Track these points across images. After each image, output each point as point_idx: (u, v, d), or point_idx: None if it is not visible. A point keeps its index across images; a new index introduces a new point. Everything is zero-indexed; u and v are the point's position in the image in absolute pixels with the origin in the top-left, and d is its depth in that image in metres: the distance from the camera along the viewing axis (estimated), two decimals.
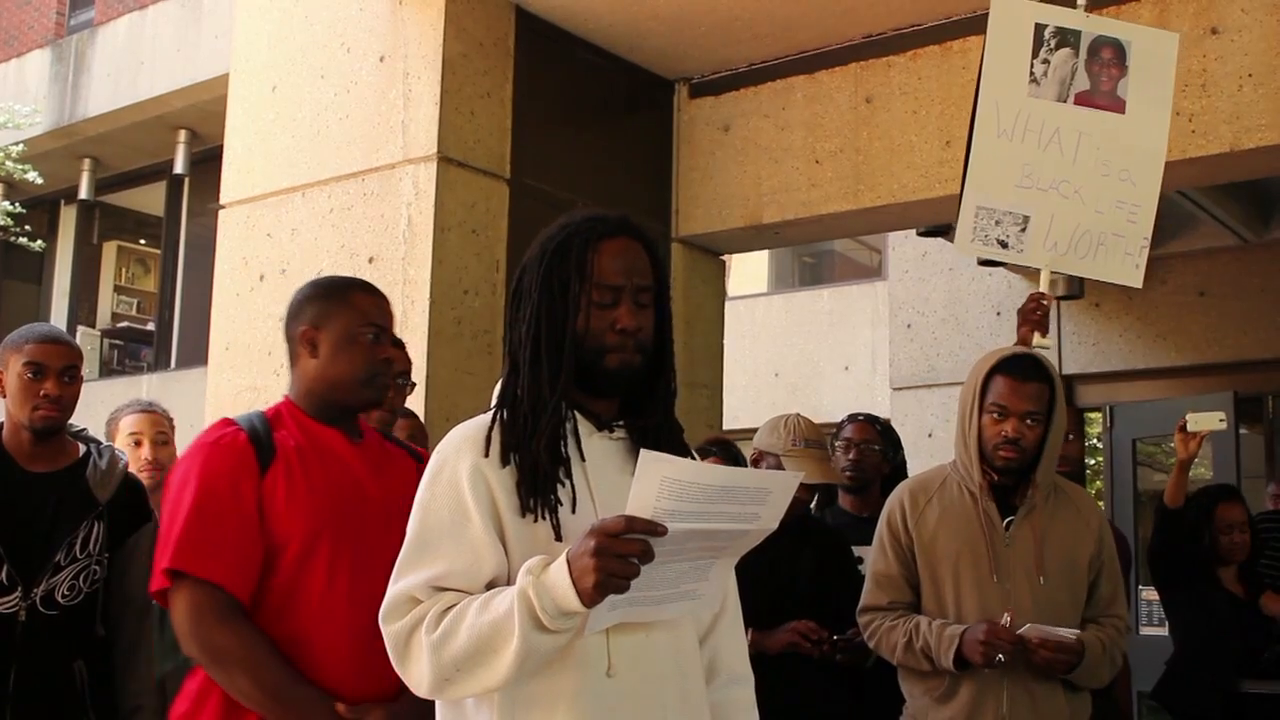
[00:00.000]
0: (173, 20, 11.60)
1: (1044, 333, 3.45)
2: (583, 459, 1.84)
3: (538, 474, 1.80)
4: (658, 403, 1.92)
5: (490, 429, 1.86)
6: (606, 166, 5.13)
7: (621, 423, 1.92)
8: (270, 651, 2.29)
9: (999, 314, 8.22)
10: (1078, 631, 2.92)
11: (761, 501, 1.69)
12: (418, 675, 1.75)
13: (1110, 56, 3.55)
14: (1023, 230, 3.54)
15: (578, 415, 1.87)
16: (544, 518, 1.79)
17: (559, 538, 1.77)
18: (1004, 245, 3.57)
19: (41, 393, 2.89)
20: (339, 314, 2.52)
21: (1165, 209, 7.42)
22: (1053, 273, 3.62)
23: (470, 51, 4.63)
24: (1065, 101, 3.54)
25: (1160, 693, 4.73)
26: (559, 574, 1.65)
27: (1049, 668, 2.91)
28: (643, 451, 1.64)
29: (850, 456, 3.97)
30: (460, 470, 1.82)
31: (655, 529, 1.61)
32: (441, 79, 4.51)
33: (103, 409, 4.00)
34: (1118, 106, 3.55)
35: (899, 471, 4.18)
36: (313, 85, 4.84)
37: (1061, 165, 3.53)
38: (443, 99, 4.50)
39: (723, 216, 5.28)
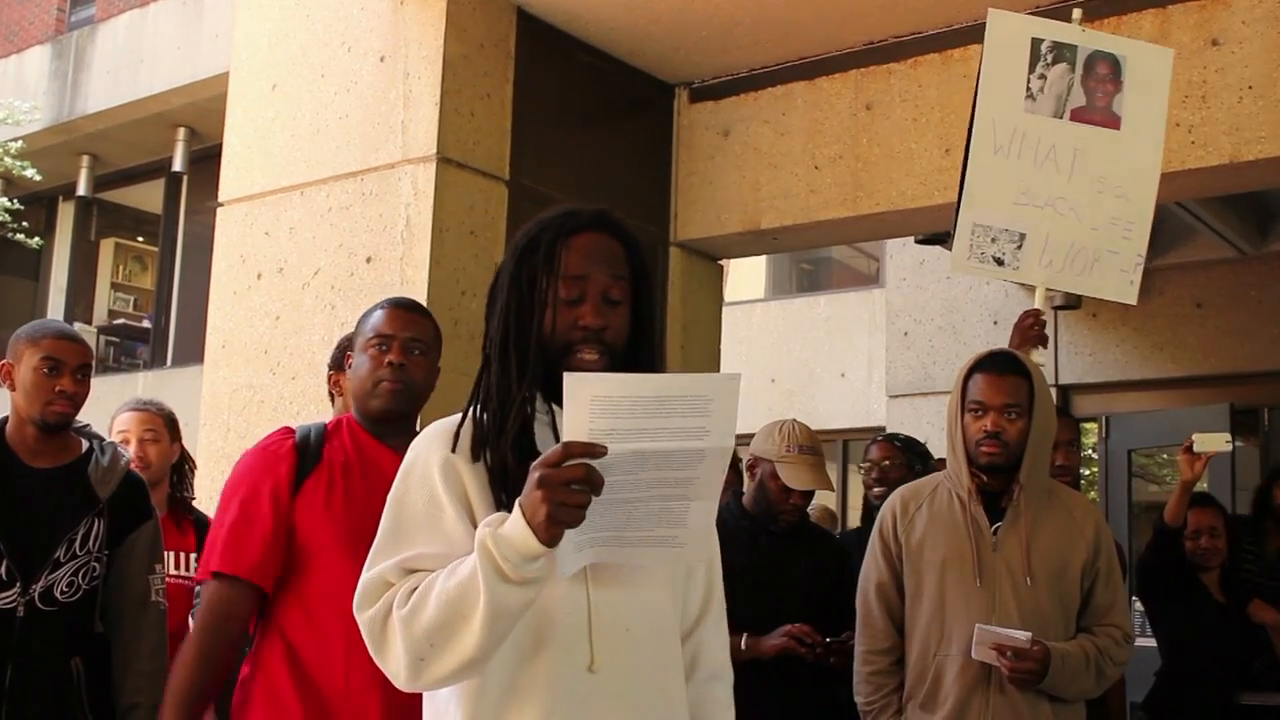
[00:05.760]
0: (173, 18, 11.59)
1: (1044, 346, 3.46)
2: None
3: (507, 473, 1.76)
4: None
5: (460, 425, 1.84)
6: (605, 169, 5.12)
7: None
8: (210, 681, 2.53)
9: (996, 322, 8.23)
10: (1029, 634, 2.90)
11: (704, 412, 1.59)
12: (395, 661, 1.70)
13: (1106, 72, 3.54)
14: (1019, 247, 3.53)
15: (554, 407, 1.83)
16: None
17: None
18: (1000, 263, 3.55)
19: (57, 388, 2.91)
20: (357, 333, 2.71)
21: (1163, 221, 7.46)
22: (1049, 290, 3.62)
23: (471, 53, 4.62)
24: (1062, 117, 3.53)
25: (1150, 704, 4.73)
26: (514, 519, 1.61)
27: (1015, 680, 2.91)
28: (565, 375, 1.58)
29: (873, 477, 4.24)
30: (432, 463, 1.81)
31: (593, 449, 1.56)
32: (442, 80, 4.50)
33: (99, 405, 3.99)
34: (1113, 122, 3.53)
35: None
36: (313, 84, 4.83)
37: (1057, 182, 3.51)
38: (443, 100, 4.49)
39: (721, 221, 5.27)
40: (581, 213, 1.88)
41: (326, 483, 2.54)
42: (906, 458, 4.23)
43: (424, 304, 4.36)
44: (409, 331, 2.64)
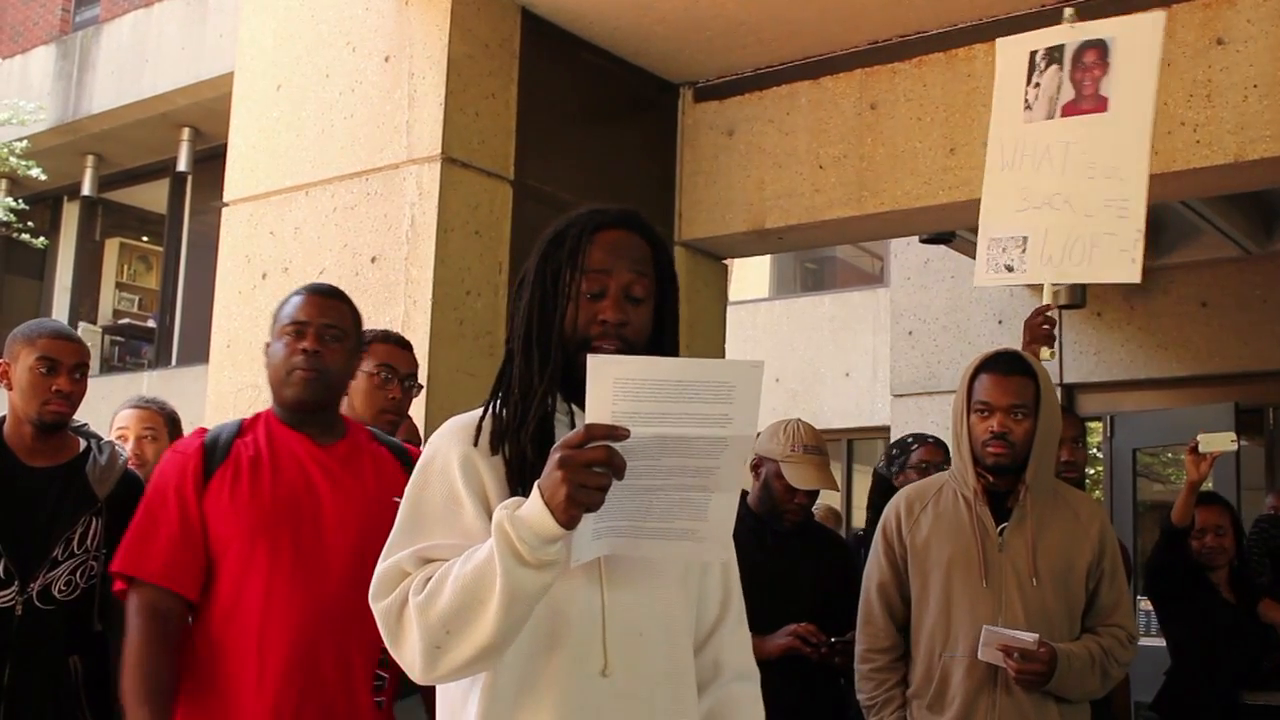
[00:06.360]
0: (178, 18, 11.60)
1: (1050, 346, 3.47)
2: None
3: (525, 465, 1.75)
4: None
5: (481, 418, 1.83)
6: (610, 169, 5.12)
7: None
8: (161, 677, 2.43)
9: (1000, 322, 8.23)
10: (1036, 635, 2.90)
11: (727, 399, 1.57)
12: (410, 650, 1.68)
13: (1093, 59, 3.57)
14: (1023, 251, 3.58)
15: (574, 407, 1.83)
16: None
17: None
18: (1010, 269, 3.61)
19: (54, 388, 2.91)
20: (274, 320, 2.63)
21: (1168, 219, 7.46)
22: (1054, 285, 3.63)
23: (475, 52, 4.63)
24: (1054, 117, 3.59)
25: (1160, 704, 4.72)
26: (532, 501, 1.59)
27: (1021, 682, 2.90)
28: (589, 356, 1.57)
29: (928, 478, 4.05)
30: (452, 458, 1.79)
31: (616, 432, 1.55)
32: (446, 79, 4.51)
33: (102, 405, 4.00)
34: (1101, 106, 3.55)
35: None
36: (318, 84, 4.84)
37: (1053, 179, 3.56)
38: (447, 99, 4.50)
39: (726, 221, 5.28)
40: (609, 210, 1.88)
41: (232, 477, 2.49)
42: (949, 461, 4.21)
43: (428, 304, 4.38)
44: (325, 318, 2.56)
